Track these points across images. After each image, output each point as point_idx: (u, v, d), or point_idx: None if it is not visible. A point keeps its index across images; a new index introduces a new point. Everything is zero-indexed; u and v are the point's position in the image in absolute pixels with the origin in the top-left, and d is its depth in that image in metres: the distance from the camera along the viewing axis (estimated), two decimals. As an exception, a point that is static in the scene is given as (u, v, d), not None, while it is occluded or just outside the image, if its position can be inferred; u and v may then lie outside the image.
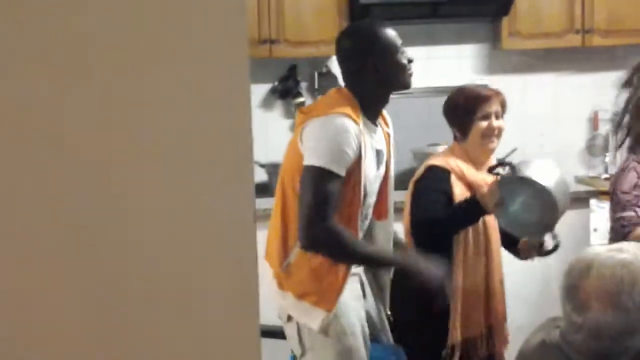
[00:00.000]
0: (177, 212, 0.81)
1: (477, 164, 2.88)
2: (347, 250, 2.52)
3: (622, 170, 2.98)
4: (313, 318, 2.55)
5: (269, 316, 2.71)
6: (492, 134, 2.84)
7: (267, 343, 2.69)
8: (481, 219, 2.79)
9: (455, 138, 2.93)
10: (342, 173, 2.47)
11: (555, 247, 2.81)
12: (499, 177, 2.70)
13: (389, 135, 2.78)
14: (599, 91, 4.88)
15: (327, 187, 2.44)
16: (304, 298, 2.56)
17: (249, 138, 0.81)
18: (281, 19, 4.36)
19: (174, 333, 0.83)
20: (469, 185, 2.82)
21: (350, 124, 2.49)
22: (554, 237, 2.79)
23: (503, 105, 2.89)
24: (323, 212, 2.44)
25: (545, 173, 2.65)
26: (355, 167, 2.50)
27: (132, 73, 0.80)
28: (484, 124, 2.83)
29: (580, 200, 4.35)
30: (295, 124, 2.70)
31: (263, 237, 2.70)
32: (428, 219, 2.78)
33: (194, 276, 0.82)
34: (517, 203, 2.68)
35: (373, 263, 2.71)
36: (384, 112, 2.80)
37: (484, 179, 2.83)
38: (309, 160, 2.48)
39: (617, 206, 2.92)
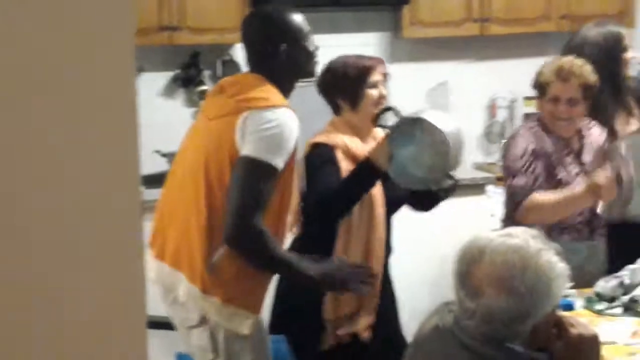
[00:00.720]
0: (60, 203, 0.79)
1: (362, 136, 2.83)
2: (267, 254, 2.43)
3: (512, 137, 3.08)
4: (241, 323, 2.46)
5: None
6: (382, 102, 2.81)
7: (158, 334, 2.66)
8: (365, 199, 2.72)
9: (336, 111, 2.87)
10: (281, 168, 2.41)
11: (453, 187, 2.75)
12: (387, 129, 2.66)
13: None
14: (497, 79, 5.01)
15: (264, 183, 2.37)
16: (231, 302, 2.45)
17: (134, 126, 0.80)
18: (182, 5, 4.30)
19: (58, 327, 0.81)
20: (356, 159, 2.73)
21: (292, 117, 2.45)
22: (450, 177, 2.70)
23: (385, 74, 2.88)
24: (255, 210, 2.36)
25: (438, 118, 2.60)
26: (290, 161, 2.45)
27: (8, 62, 0.78)
28: (375, 92, 2.80)
29: (478, 187, 4.47)
30: (212, 111, 2.57)
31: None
32: (324, 195, 2.67)
33: (79, 268, 0.80)
34: (408, 150, 2.59)
35: (286, 272, 2.58)
36: None
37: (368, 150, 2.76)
38: (250, 152, 2.38)
39: (509, 175, 2.99)
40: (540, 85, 3.04)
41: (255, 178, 2.37)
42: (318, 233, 2.79)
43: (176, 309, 2.57)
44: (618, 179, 2.82)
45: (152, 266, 2.57)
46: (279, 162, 2.39)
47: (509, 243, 1.71)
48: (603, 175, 2.81)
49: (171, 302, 2.58)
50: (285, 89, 2.57)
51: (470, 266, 1.71)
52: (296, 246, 2.86)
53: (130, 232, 0.79)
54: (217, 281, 2.44)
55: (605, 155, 2.98)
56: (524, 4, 4.76)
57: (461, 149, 2.66)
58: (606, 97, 3.11)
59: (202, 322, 2.49)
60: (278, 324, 2.83)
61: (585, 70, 3.00)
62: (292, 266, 2.50)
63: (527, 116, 3.15)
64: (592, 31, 3.42)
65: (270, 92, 2.48)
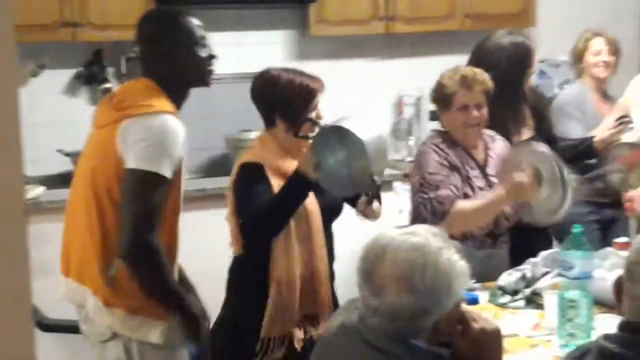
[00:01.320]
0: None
1: (292, 152, 2.79)
2: (159, 278, 2.37)
3: (421, 154, 3.11)
4: (149, 332, 2.41)
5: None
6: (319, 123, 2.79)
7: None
8: (302, 208, 2.71)
9: (269, 125, 2.81)
10: (171, 176, 2.34)
11: (377, 191, 2.75)
12: (310, 139, 2.65)
13: None
14: (404, 77, 5.07)
15: (155, 194, 2.30)
16: (137, 312, 2.39)
17: (16, 122, 0.76)
18: (84, 1, 4.20)
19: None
20: (286, 177, 2.70)
21: (177, 123, 2.38)
22: (374, 181, 2.67)
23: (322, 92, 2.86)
24: (150, 222, 2.30)
25: (358, 125, 2.60)
26: (178, 170, 2.39)
27: None
28: (314, 114, 2.76)
29: (386, 184, 4.50)
30: (99, 120, 2.50)
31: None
32: (257, 215, 2.66)
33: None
34: (332, 159, 2.60)
35: (172, 302, 2.46)
36: None
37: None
38: (135, 163, 2.31)
39: (428, 188, 3.01)
40: (445, 97, 3.05)
41: (144, 190, 2.30)
42: (257, 251, 2.75)
43: (88, 325, 2.50)
44: (538, 179, 2.86)
45: (61, 282, 2.52)
46: (166, 171, 2.33)
47: (410, 241, 1.73)
48: (522, 175, 2.86)
49: (84, 318, 2.52)
50: (177, 97, 2.49)
51: (374, 264, 1.71)
52: (237, 266, 2.84)
53: (14, 232, 0.76)
54: (119, 293, 2.39)
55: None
56: (428, 3, 4.82)
57: (384, 153, 2.67)
58: (505, 106, 3.17)
59: (114, 336, 2.44)
60: (215, 342, 2.80)
61: (486, 77, 3.08)
62: (179, 298, 2.45)
63: (433, 132, 3.19)
64: (505, 39, 3.46)
65: (155, 99, 2.40)
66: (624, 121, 3.50)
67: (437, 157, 3.04)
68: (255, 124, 3.00)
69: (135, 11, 4.17)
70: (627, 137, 3.42)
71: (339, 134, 2.59)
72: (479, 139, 3.14)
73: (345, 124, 2.60)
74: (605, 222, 3.73)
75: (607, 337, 1.61)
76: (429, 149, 3.08)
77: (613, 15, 5.16)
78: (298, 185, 2.63)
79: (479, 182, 3.08)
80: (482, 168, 3.12)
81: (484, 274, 3.02)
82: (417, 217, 3.13)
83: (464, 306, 1.90)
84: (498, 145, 3.19)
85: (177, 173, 2.40)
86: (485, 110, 3.06)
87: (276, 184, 2.70)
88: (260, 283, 2.73)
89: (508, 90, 3.27)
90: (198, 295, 2.66)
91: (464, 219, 2.97)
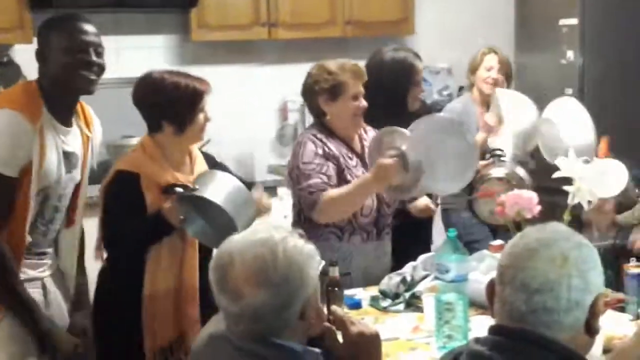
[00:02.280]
0: None
1: (175, 160, 2.74)
2: (6, 281, 2.37)
3: (298, 144, 3.12)
4: None
5: None
6: (206, 126, 2.77)
7: None
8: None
9: (153, 130, 2.74)
10: (15, 175, 2.32)
11: None
12: (175, 195, 2.62)
13: (88, 137, 2.65)
14: (288, 82, 5.07)
15: None
16: None
17: None
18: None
19: None
20: (161, 189, 2.67)
21: (20, 122, 2.34)
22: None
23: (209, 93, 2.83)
24: None
25: (216, 189, 2.63)
26: (29, 169, 2.36)
27: None
28: (202, 116, 2.73)
29: (271, 189, 4.50)
30: None
31: None
32: (117, 234, 2.63)
33: None
34: (198, 220, 2.68)
35: (21, 311, 2.45)
36: (91, 114, 2.69)
37: (177, 178, 2.70)
38: None
39: (301, 178, 3.02)
40: (337, 86, 3.07)
41: None
42: (126, 262, 2.70)
43: None
44: (404, 161, 2.91)
45: None
46: (7, 170, 2.32)
47: (254, 238, 1.72)
48: (387, 159, 2.90)
49: None
50: (58, 102, 2.47)
51: (225, 271, 1.70)
52: (104, 276, 2.77)
53: None
54: None
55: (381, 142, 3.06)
56: (310, 9, 4.85)
57: (247, 204, 2.68)
58: (391, 120, 3.21)
59: None
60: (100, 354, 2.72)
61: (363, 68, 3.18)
62: (30, 308, 2.44)
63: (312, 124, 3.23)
64: (387, 55, 3.55)
65: (10, 97, 2.40)
66: (495, 154, 3.62)
67: (314, 147, 3.06)
68: (137, 130, 2.94)
69: (10, 15, 4.08)
70: (495, 172, 3.55)
71: (196, 203, 2.61)
72: (358, 129, 3.18)
73: (201, 192, 2.61)
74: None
75: (477, 340, 1.65)
76: (306, 140, 3.10)
77: (488, 23, 5.32)
78: (162, 224, 2.62)
79: (357, 171, 3.11)
80: (360, 157, 3.16)
81: (368, 270, 3.07)
82: (299, 210, 3.15)
83: (342, 310, 1.91)
84: (371, 136, 3.24)
85: (25, 173, 2.36)
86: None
87: (150, 197, 2.65)
88: (130, 295, 2.68)
89: (392, 104, 3.36)
90: (85, 313, 2.65)
91: (335, 205, 2.99)
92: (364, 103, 3.10)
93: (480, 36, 4.86)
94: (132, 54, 4.66)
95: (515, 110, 3.66)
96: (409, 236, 3.31)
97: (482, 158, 3.60)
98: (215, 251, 1.81)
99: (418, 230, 3.48)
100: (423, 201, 3.31)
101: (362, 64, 3.25)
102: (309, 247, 1.76)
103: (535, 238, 1.66)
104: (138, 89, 2.75)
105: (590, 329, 1.60)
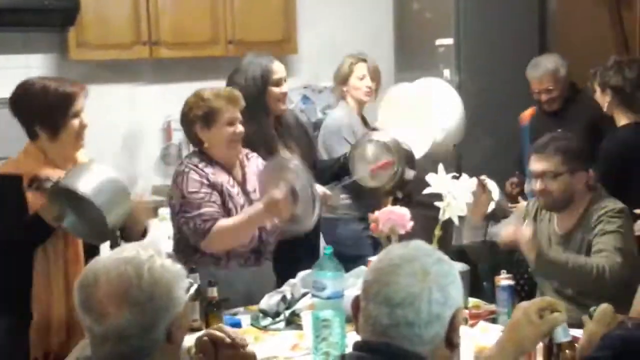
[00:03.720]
0: None
1: (59, 165, 2.69)
2: None
3: (180, 174, 3.10)
4: None
5: None
6: (83, 131, 2.71)
7: None
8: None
9: (31, 137, 2.69)
10: None
11: (116, 241, 2.76)
12: (40, 188, 2.56)
13: None
14: (171, 102, 5.02)
15: None
16: None
17: None
18: None
19: None
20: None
21: None
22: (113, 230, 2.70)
23: (85, 97, 2.78)
24: None
25: (87, 180, 2.55)
26: None
27: None
28: (77, 121, 2.67)
29: (152, 210, 4.44)
30: None
31: None
32: (3, 234, 2.57)
33: None
34: (69, 216, 2.59)
35: None
36: None
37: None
38: None
39: (189, 207, 3.01)
40: (210, 113, 3.07)
41: None
42: (15, 263, 2.63)
43: None
44: (293, 194, 2.93)
45: None
46: None
47: (119, 257, 1.70)
48: (278, 192, 2.92)
49: None
50: None
51: (90, 291, 1.66)
52: None
53: None
54: None
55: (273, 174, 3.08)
56: (192, 28, 4.84)
57: (121, 198, 2.62)
58: (249, 122, 3.24)
59: None
60: None
61: (238, 93, 3.17)
62: None
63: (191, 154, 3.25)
64: (247, 60, 3.64)
65: None
66: (375, 128, 3.69)
67: (197, 177, 3.05)
68: (12, 150, 2.85)
69: None
70: (376, 135, 3.61)
71: (66, 192, 2.54)
72: (238, 156, 3.19)
73: (72, 179, 2.54)
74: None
75: (343, 357, 1.67)
76: (188, 169, 3.08)
77: (369, 43, 5.41)
78: (39, 224, 2.57)
79: (239, 199, 3.11)
80: (241, 185, 3.16)
81: (250, 293, 3.07)
82: (180, 238, 3.13)
83: (218, 330, 1.91)
84: (253, 163, 3.26)
85: None
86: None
87: (32, 199, 2.59)
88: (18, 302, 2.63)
89: (251, 105, 3.34)
90: None
91: (225, 236, 3.00)
92: (240, 129, 3.10)
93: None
94: (8, 74, 4.52)
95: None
96: (294, 248, 3.34)
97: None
98: (81, 274, 1.77)
99: (306, 244, 3.51)
100: (319, 189, 3.36)
101: (228, 88, 3.27)
102: (177, 268, 1.74)
103: (398, 254, 1.70)
104: (12, 96, 2.71)
105: (450, 342, 1.64)
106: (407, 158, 3.58)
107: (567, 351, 1.80)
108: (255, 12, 5.00)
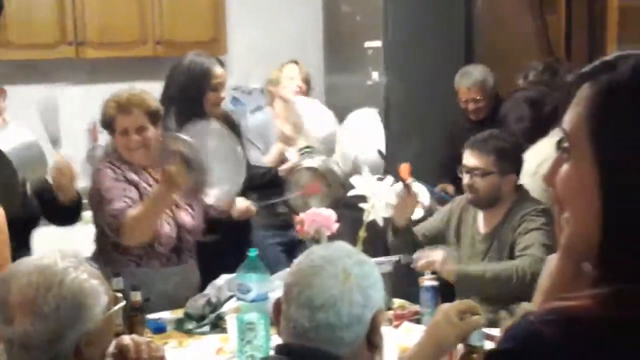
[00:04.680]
0: None
1: None
2: None
3: (97, 171, 3.11)
4: None
5: None
6: None
7: None
8: None
9: None
10: None
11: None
12: None
13: None
14: (98, 103, 4.93)
15: None
16: None
17: None
18: None
19: None
20: None
21: None
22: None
23: (4, 99, 2.71)
24: None
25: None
26: None
27: None
28: None
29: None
30: None
31: None
32: None
33: None
34: None
35: None
36: None
37: None
38: None
39: (104, 203, 2.99)
40: (107, 122, 3.07)
41: None
42: None
43: None
44: (187, 162, 2.88)
45: None
46: None
47: (36, 264, 1.66)
48: (169, 164, 2.87)
49: None
50: None
51: (5, 293, 1.63)
52: None
53: None
54: None
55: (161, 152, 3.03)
56: (119, 28, 4.76)
57: (36, 161, 2.59)
58: (185, 121, 3.20)
59: None
60: None
61: (145, 97, 3.09)
62: None
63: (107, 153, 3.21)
64: (186, 59, 3.60)
65: None
66: (306, 151, 3.67)
67: (113, 173, 3.03)
68: None
69: None
70: (307, 162, 3.59)
71: None
72: (147, 160, 3.11)
73: None
74: (290, 243, 3.87)
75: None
76: (104, 167, 3.07)
77: (298, 44, 5.42)
78: None
79: None
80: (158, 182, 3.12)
81: (174, 295, 3.03)
82: (100, 237, 3.10)
83: (131, 340, 1.87)
84: None
85: None
86: (151, 132, 3.06)
87: None
88: None
89: (186, 106, 3.35)
90: None
91: (138, 224, 2.95)
92: (136, 137, 3.04)
93: (291, 57, 4.94)
94: None
95: (316, 119, 3.73)
96: (216, 254, 3.31)
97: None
98: None
99: (238, 243, 3.48)
100: (243, 203, 3.33)
101: (135, 91, 3.18)
102: (92, 284, 1.68)
103: (319, 256, 1.70)
104: None
105: (371, 344, 1.65)
106: (339, 180, 3.56)
107: (474, 355, 1.81)
108: (183, 12, 4.95)
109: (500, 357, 0.96)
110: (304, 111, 3.72)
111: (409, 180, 3.05)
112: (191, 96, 3.41)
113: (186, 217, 3.13)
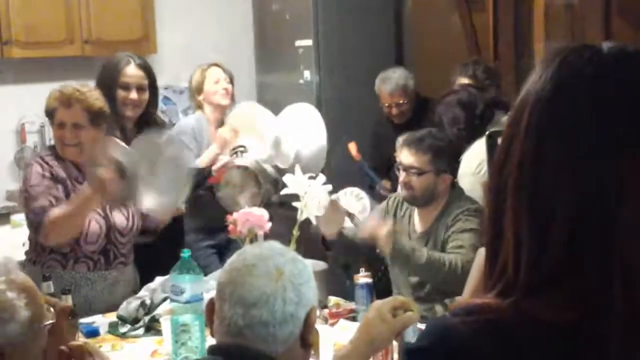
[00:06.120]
0: None
1: None
2: None
3: (27, 166, 3.06)
4: None
5: None
6: None
7: None
8: None
9: None
10: None
11: None
12: None
13: None
14: (25, 103, 4.85)
15: None
16: None
17: None
18: None
19: None
20: None
21: None
22: None
23: None
24: None
25: None
26: None
27: None
28: None
29: (3, 217, 4.29)
30: None
31: None
32: None
33: None
34: None
35: None
36: None
37: None
38: None
39: (29, 200, 2.93)
40: (48, 112, 3.03)
41: None
42: None
43: None
44: (120, 170, 2.83)
45: None
46: None
47: None
48: (102, 170, 2.81)
49: None
50: None
51: None
52: None
53: None
54: None
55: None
56: (46, 27, 4.68)
57: None
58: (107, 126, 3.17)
59: None
60: None
61: (90, 95, 3.02)
62: None
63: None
64: (109, 58, 3.57)
65: None
66: (238, 150, 3.65)
67: (40, 170, 2.97)
68: None
69: None
70: (239, 161, 3.57)
71: None
72: (83, 155, 3.04)
73: None
74: (221, 245, 3.84)
75: (200, 360, 1.66)
76: (34, 162, 3.02)
77: (229, 43, 5.40)
78: None
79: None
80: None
81: (106, 298, 2.99)
82: (31, 237, 3.04)
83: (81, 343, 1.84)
84: None
85: None
86: (88, 132, 3.00)
87: None
88: None
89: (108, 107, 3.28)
90: None
91: (59, 225, 2.89)
92: (70, 133, 2.98)
93: (222, 56, 4.91)
94: None
95: (267, 120, 3.72)
96: (155, 251, 3.27)
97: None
98: None
99: (172, 244, 3.44)
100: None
101: (84, 87, 3.10)
102: (7, 297, 1.64)
103: (252, 254, 1.70)
104: None
105: (304, 342, 1.66)
106: (271, 179, 3.55)
107: None
108: (112, 10, 4.89)
109: (416, 353, 0.96)
110: (254, 113, 3.70)
111: (334, 196, 3.03)
112: (104, 95, 3.34)
113: (119, 218, 3.08)
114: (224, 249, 3.78)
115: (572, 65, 0.90)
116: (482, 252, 2.87)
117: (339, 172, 3.20)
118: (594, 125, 0.87)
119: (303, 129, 3.62)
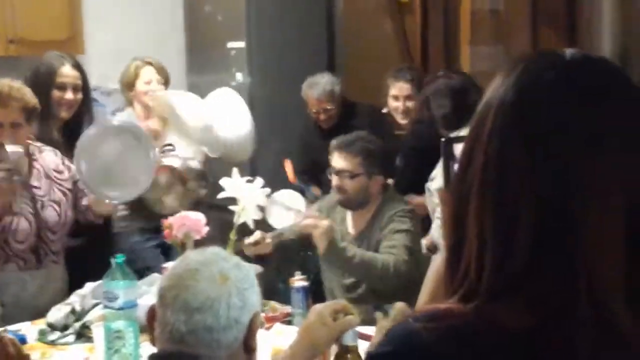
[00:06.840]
0: None
1: None
2: None
3: None
4: None
5: None
6: None
7: None
8: None
9: None
10: None
11: None
12: None
13: None
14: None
15: None
16: None
17: None
18: None
19: None
20: None
21: None
22: None
23: None
24: None
25: None
26: None
27: None
28: None
29: None
30: None
31: None
32: None
33: None
34: None
35: None
36: None
37: None
38: None
39: None
40: None
41: None
42: None
43: None
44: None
45: None
46: None
47: None
48: None
49: None
50: None
51: None
52: None
53: None
54: None
55: None
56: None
57: None
58: (39, 126, 3.11)
59: None
60: None
61: (24, 93, 2.95)
62: None
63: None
64: (43, 58, 3.55)
65: None
66: (165, 149, 3.60)
67: None
68: None
69: None
70: (167, 161, 3.52)
71: None
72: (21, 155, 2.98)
73: None
74: (167, 245, 3.78)
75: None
76: None
77: (160, 44, 5.32)
78: None
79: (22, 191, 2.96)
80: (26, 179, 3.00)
81: (35, 302, 2.91)
82: None
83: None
84: (47, 157, 3.13)
85: None
86: (24, 130, 2.95)
87: None
88: None
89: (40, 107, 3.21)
90: None
91: None
92: (7, 132, 2.90)
93: (152, 57, 4.84)
94: None
95: (191, 109, 3.66)
96: (85, 254, 3.20)
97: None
98: None
99: (103, 247, 3.37)
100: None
101: (17, 85, 3.06)
102: None
103: (195, 260, 1.68)
104: None
105: (248, 347, 1.64)
106: (199, 177, 3.52)
107: (348, 355, 1.82)
108: (38, 9, 4.75)
109: (379, 359, 0.95)
110: (176, 103, 3.63)
111: (257, 232, 3.04)
112: (38, 95, 3.26)
113: (50, 214, 3.00)
114: (171, 248, 3.72)
115: (534, 70, 0.91)
116: (437, 258, 2.89)
117: (266, 173, 3.16)
118: (556, 129, 0.88)
119: (228, 114, 3.59)
